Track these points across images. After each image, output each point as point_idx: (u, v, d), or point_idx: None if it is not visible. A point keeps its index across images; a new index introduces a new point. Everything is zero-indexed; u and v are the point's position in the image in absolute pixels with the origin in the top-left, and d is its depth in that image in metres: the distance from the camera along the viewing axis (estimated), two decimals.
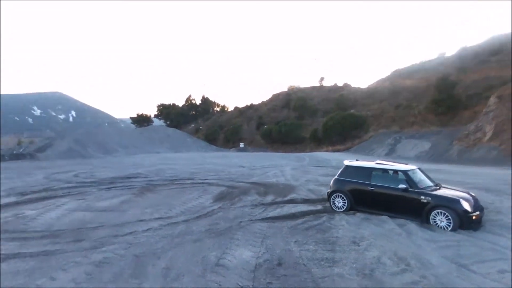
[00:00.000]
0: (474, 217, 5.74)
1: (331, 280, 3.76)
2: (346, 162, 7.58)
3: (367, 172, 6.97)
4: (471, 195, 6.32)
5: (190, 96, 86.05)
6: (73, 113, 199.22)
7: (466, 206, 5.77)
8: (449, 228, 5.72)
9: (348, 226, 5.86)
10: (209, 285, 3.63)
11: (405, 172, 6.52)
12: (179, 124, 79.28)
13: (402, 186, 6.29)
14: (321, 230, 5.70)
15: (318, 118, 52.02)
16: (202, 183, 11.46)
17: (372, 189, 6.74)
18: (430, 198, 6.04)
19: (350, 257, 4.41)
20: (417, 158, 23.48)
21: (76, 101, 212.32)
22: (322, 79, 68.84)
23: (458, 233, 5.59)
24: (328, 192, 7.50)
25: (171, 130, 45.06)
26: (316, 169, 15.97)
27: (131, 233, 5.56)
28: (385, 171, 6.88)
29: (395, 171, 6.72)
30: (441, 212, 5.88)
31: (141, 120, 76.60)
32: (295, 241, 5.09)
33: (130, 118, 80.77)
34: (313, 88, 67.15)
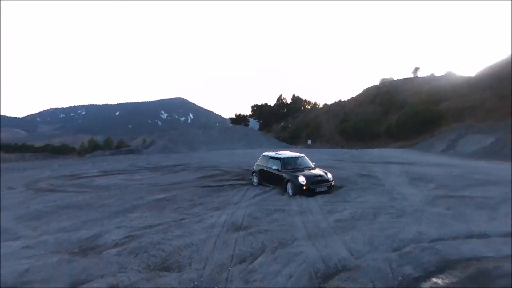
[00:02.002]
0: (304, 188, 9.30)
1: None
2: (263, 153, 11.72)
3: (267, 159, 11.04)
4: (317, 174, 9.73)
5: (281, 95, 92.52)
6: (191, 115, 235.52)
7: (301, 180, 9.36)
8: (291, 194, 9.47)
9: (253, 191, 10.23)
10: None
11: (280, 159, 10.39)
12: (270, 123, 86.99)
13: (275, 167, 10.26)
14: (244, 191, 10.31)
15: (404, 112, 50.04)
16: (214, 168, 16.90)
17: (267, 170, 10.82)
18: (286, 175, 9.83)
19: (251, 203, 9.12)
20: (473, 155, 22.83)
21: (194, 104, 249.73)
22: (416, 69, 63.89)
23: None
24: (251, 172, 11.87)
25: (249, 129, 52.30)
26: (333, 163, 19.16)
27: (172, 185, 11.56)
28: (274, 158, 10.80)
29: (277, 158, 10.61)
30: (290, 184, 9.64)
31: (239, 120, 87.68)
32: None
33: (230, 118, 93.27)
34: (406, 80, 63.31)
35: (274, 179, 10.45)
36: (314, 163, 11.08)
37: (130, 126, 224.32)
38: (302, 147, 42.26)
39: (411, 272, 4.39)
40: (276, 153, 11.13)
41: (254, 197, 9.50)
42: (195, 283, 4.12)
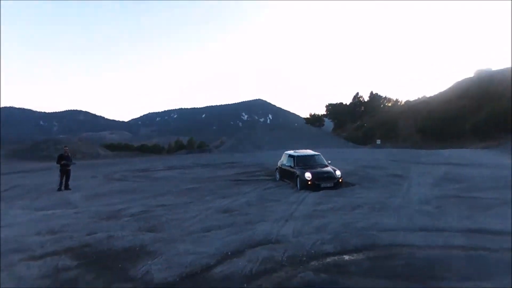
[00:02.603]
0: (309, 183, 10.22)
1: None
2: (285, 152, 12.86)
3: (286, 157, 12.20)
4: (324, 171, 10.52)
5: (357, 93, 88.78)
6: (270, 116, 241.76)
7: (307, 176, 10.32)
8: (299, 188, 10.51)
9: (269, 185, 11.70)
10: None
11: (293, 156, 11.45)
12: (345, 123, 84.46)
13: (289, 164, 11.39)
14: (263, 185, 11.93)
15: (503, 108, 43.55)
16: (258, 166, 18.61)
17: (284, 167, 12.01)
18: (297, 171, 10.88)
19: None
20: None
21: (273, 105, 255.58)
22: None
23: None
24: (275, 169, 13.16)
25: (315, 129, 52.41)
26: (383, 163, 19.00)
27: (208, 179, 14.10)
28: (290, 156, 11.87)
29: (292, 156, 11.66)
30: (298, 179, 10.68)
31: (313, 121, 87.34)
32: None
33: (304, 118, 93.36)
34: (505, 70, 54.34)
35: (289, 175, 11.59)
36: (329, 161, 11.79)
37: (214, 128, 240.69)
38: (370, 147, 40.80)
39: (328, 249, 5.29)
40: (294, 152, 12.21)
41: (265, 189, 10.87)
42: (163, 238, 5.84)
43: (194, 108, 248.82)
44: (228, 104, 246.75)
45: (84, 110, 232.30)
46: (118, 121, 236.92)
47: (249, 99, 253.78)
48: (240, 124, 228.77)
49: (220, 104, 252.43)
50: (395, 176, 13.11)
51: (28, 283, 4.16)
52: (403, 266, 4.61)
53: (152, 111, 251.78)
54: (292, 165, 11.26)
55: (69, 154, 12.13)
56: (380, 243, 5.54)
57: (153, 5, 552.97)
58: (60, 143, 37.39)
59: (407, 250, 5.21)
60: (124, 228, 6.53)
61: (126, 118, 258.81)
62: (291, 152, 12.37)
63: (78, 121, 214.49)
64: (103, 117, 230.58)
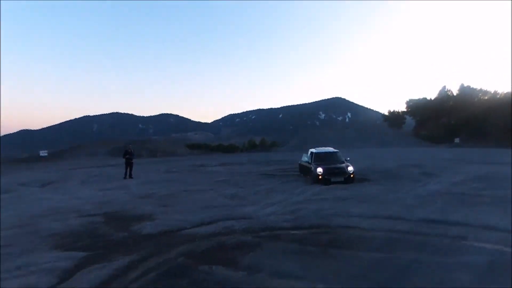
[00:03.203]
0: (320, 177, 11.16)
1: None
2: (310, 149, 13.84)
3: (306, 153, 13.22)
4: (336, 167, 11.29)
5: (445, 87, 79.95)
6: (349, 114, 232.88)
7: (319, 171, 11.28)
8: (311, 182, 11.54)
9: (288, 179, 13.10)
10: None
11: (312, 153, 12.43)
12: (429, 120, 77.06)
13: (307, 160, 12.45)
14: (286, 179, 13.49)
15: None
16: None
17: (303, 163, 13.07)
18: (312, 167, 11.88)
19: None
20: None
21: (352, 103, 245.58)
22: None
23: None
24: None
25: (384, 128, 49.72)
26: (432, 162, 18.31)
27: (245, 173, 16.31)
28: (310, 153, 12.83)
29: (311, 153, 12.62)
30: (312, 174, 11.69)
31: (393, 118, 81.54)
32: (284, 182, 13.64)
33: (383, 116, 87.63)
34: None
35: (306, 170, 12.64)
36: (348, 158, 12.44)
37: (291, 127, 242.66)
38: (445, 147, 37.25)
39: (283, 225, 6.54)
40: (315, 149, 13.16)
41: (282, 183, 12.19)
42: (168, 211, 7.84)
43: (272, 108, 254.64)
44: (305, 104, 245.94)
45: (174, 113, 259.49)
46: (202, 123, 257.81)
47: (327, 98, 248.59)
48: (317, 123, 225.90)
49: (297, 103, 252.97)
50: (424, 174, 12.97)
51: (72, 228, 6.55)
52: (328, 239, 5.63)
53: (232, 113, 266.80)
54: (310, 161, 12.30)
55: (132, 151, 15.39)
56: (331, 224, 6.52)
57: (226, 5, 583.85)
58: (150, 143, 43.72)
59: (348, 230, 6.12)
60: (147, 204, 8.79)
61: (209, 120, 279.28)
62: (312, 149, 13.37)
63: (169, 123, 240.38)
64: (190, 119, 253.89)
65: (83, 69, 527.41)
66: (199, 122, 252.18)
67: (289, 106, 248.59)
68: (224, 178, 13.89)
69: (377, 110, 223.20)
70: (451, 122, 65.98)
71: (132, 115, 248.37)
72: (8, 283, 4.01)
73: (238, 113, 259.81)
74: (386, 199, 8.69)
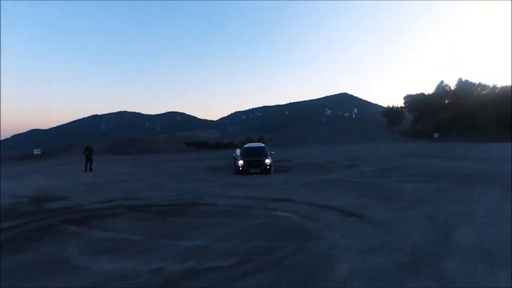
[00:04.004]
0: (240, 168, 12.99)
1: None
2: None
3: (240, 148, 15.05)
4: (255, 160, 13.10)
5: (442, 81, 79.95)
6: (355, 110, 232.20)
7: (240, 163, 13.12)
8: (235, 173, 13.37)
9: (230, 171, 14.99)
10: None
11: (241, 148, 14.25)
12: (426, 115, 77.34)
13: (236, 154, 14.29)
14: (225, 171, 15.41)
15: None
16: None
17: (235, 156, 14.91)
18: (237, 160, 13.70)
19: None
20: None
21: (359, 99, 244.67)
22: None
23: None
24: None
25: (371, 124, 50.86)
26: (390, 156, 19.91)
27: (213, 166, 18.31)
28: (241, 148, 14.63)
29: (240, 148, 14.43)
30: (235, 166, 13.52)
31: (392, 114, 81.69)
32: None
33: (381, 112, 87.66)
34: None
35: (234, 162, 14.48)
36: (273, 152, 14.23)
37: (297, 124, 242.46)
38: (425, 141, 38.33)
39: (161, 202, 8.43)
40: (246, 145, 14.96)
41: (213, 175, 14.06)
42: (87, 192, 9.81)
43: (278, 105, 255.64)
44: (311, 100, 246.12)
45: (180, 111, 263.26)
46: (209, 121, 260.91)
47: (333, 94, 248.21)
48: (323, 119, 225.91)
49: (303, 100, 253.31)
50: (345, 166, 14.68)
51: (93, 202, 8.56)
52: (180, 211, 7.50)
53: (238, 110, 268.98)
54: (238, 155, 14.13)
55: (92, 148, 17.55)
56: (199, 202, 8.39)
57: (229, 4, 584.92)
58: (138, 142, 45.92)
59: (205, 206, 7.95)
60: (77, 190, 10.84)
61: (215, 118, 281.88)
62: (246, 145, 15.18)
63: (176, 121, 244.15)
64: (196, 117, 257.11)
65: (92, 69, 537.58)
66: (206, 120, 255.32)
67: (295, 102, 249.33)
68: (172, 172, 15.86)
69: (381, 104, 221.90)
70: (447, 117, 66.32)
71: (139, 113, 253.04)
72: None
73: (244, 111, 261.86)
74: (277, 185, 10.52)
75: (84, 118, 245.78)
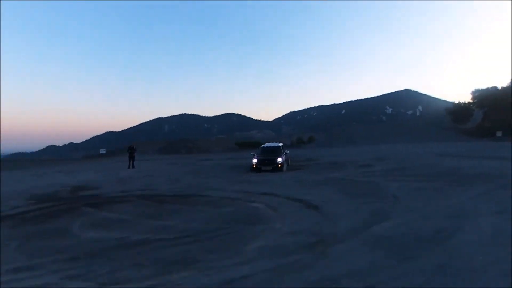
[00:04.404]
0: (254, 166, 14.09)
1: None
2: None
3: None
4: (267, 159, 14.06)
5: None
6: (420, 107, 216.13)
7: (253, 162, 14.23)
8: (249, 170, 14.53)
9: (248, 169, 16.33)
10: None
11: (259, 147, 15.32)
12: (497, 111, 69.63)
13: (254, 153, 15.39)
14: (244, 169, 16.82)
15: None
16: (308, 160, 22.42)
17: (253, 154, 16.01)
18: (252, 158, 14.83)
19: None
20: None
21: (424, 95, 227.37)
22: None
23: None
24: None
25: (421, 122, 47.70)
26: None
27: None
28: (259, 147, 15.67)
29: (258, 147, 15.47)
30: (250, 164, 14.66)
31: (457, 111, 74.54)
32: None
33: (445, 110, 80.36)
34: None
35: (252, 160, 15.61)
36: (287, 151, 15.06)
37: (354, 123, 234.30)
38: (487, 141, 34.99)
39: (167, 193, 9.95)
40: (264, 144, 15.97)
41: (231, 172, 15.36)
42: (118, 184, 11.80)
43: (334, 104, 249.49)
44: (371, 98, 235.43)
45: (236, 113, 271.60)
46: (264, 121, 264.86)
47: (394, 91, 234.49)
48: (384, 118, 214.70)
49: (361, 98, 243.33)
50: (360, 166, 14.92)
51: (47, 192, 10.86)
52: (177, 200, 8.91)
53: (293, 110, 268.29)
54: (255, 154, 15.23)
55: (135, 148, 20.18)
56: (197, 194, 9.73)
57: (283, 3, 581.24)
58: (191, 142, 49.46)
59: (201, 197, 9.27)
60: (112, 182, 12.95)
61: (270, 118, 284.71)
62: (263, 144, 16.19)
63: (232, 122, 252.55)
64: (251, 118, 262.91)
65: (157, 76, 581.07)
66: (261, 121, 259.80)
67: (352, 101, 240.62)
68: (197, 169, 17.57)
69: (449, 100, 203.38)
70: None
71: (198, 115, 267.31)
72: None
73: (298, 111, 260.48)
74: (277, 182, 11.45)
75: (150, 120, 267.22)
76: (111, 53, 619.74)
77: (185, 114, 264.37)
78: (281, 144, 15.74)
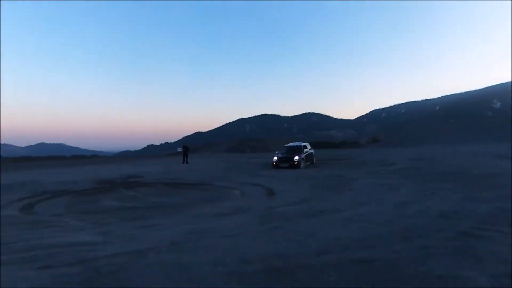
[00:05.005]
0: (274, 164, 15.97)
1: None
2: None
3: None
4: (286, 157, 15.76)
5: None
6: None
7: (274, 159, 16.12)
8: (271, 167, 16.46)
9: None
10: None
11: (284, 146, 17.08)
12: None
13: (279, 151, 17.23)
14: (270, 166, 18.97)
15: None
16: (350, 160, 23.43)
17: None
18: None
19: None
20: None
21: None
22: None
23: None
24: None
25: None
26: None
27: None
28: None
29: (285, 146, 17.19)
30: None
31: None
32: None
33: None
34: None
35: None
36: (312, 151, 16.53)
37: (451, 121, 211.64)
38: None
39: (185, 182, 12.69)
40: (288, 144, 17.61)
41: (259, 169, 17.47)
42: (161, 175, 15.09)
43: (426, 100, 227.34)
44: (472, 91, 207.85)
45: (316, 112, 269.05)
46: (345, 120, 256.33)
47: (504, 82, 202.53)
48: (490, 113, 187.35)
49: (459, 92, 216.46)
50: (382, 165, 15.62)
51: (107, 179, 14.67)
52: (190, 186, 11.54)
53: (378, 108, 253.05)
54: (278, 152, 17.03)
55: (188, 147, 23.83)
56: (207, 183, 12.22)
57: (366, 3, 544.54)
58: (256, 142, 52.79)
59: (207, 185, 11.74)
60: (161, 173, 16.36)
61: (352, 117, 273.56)
62: (288, 144, 17.83)
63: (312, 122, 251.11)
64: (332, 117, 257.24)
65: (238, 77, 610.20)
66: (342, 120, 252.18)
67: (449, 95, 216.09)
68: (234, 166, 20.12)
69: None
70: None
71: (278, 115, 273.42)
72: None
73: (384, 108, 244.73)
74: (282, 177, 13.22)
75: (233, 121, 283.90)
76: (198, 63, 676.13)
77: (265, 114, 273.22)
78: (304, 144, 17.20)
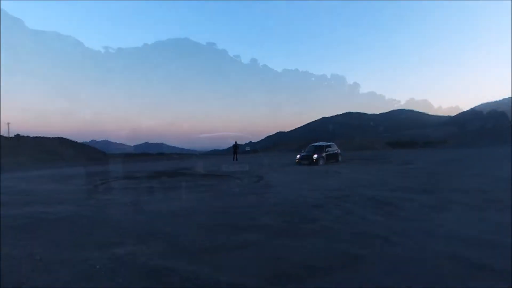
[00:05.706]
0: (296, 161, 18.24)
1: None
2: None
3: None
4: (307, 155, 17.88)
5: None
6: None
7: (297, 157, 18.40)
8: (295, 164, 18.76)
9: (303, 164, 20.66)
10: None
11: (309, 145, 19.17)
12: None
13: (302, 150, 19.39)
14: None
15: None
16: (386, 161, 24.30)
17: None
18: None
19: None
20: None
21: None
22: None
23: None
24: None
25: None
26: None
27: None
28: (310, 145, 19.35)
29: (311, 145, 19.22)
30: None
31: None
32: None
33: None
34: None
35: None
36: (337, 150, 18.42)
37: None
38: None
39: (212, 174, 16.06)
40: (314, 143, 19.54)
41: (289, 166, 19.88)
42: (209, 168, 18.83)
43: None
44: None
45: (406, 108, 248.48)
46: (443, 116, 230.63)
47: None
48: None
49: None
50: (404, 163, 16.80)
51: (171, 169, 18.95)
52: (213, 176, 14.87)
53: (484, 102, 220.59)
54: (303, 151, 19.18)
55: (238, 145, 27.25)
56: (218, 174, 15.34)
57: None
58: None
59: (228, 177, 14.88)
60: (207, 166, 20.18)
61: (452, 113, 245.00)
62: (313, 143, 19.75)
63: (400, 120, 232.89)
64: (426, 114, 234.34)
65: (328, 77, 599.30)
66: (439, 116, 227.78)
67: None
68: (271, 162, 22.70)
69: None
70: None
71: (363, 113, 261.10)
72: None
73: (491, 102, 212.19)
74: (296, 171, 15.54)
75: (315, 120, 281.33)
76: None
77: (349, 112, 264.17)
78: (327, 144, 18.91)
